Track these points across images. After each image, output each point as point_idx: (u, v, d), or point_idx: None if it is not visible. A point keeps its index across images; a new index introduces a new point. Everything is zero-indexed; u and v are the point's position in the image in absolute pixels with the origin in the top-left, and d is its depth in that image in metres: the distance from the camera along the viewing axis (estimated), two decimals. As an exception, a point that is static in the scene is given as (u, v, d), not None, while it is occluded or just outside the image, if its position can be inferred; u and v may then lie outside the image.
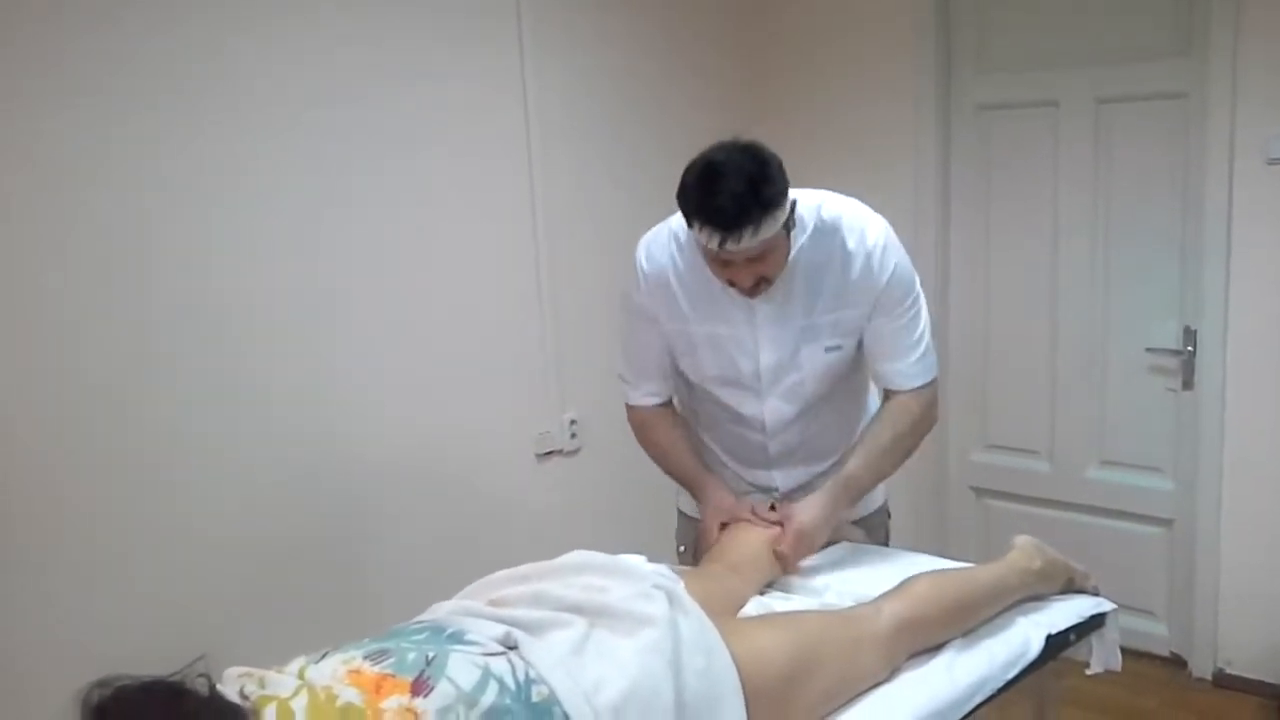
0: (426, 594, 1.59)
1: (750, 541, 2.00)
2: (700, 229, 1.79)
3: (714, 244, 1.79)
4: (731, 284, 1.90)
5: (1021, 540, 1.99)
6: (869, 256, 1.96)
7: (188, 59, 2.37)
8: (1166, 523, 3.32)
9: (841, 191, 2.00)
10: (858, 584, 1.93)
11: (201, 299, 2.43)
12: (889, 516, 2.40)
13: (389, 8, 2.74)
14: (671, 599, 1.50)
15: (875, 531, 2.33)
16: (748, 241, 1.77)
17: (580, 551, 1.65)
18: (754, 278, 1.87)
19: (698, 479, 2.18)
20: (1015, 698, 1.85)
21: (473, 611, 1.45)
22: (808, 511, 2.01)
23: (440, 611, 1.49)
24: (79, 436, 2.26)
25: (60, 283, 2.23)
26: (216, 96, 2.42)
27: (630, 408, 2.24)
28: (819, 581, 1.99)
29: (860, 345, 2.06)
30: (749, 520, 2.06)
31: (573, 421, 3.27)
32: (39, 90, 2.17)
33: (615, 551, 1.71)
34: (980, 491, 3.70)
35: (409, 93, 2.80)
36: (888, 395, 2.10)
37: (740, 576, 1.91)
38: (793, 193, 1.88)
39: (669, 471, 2.23)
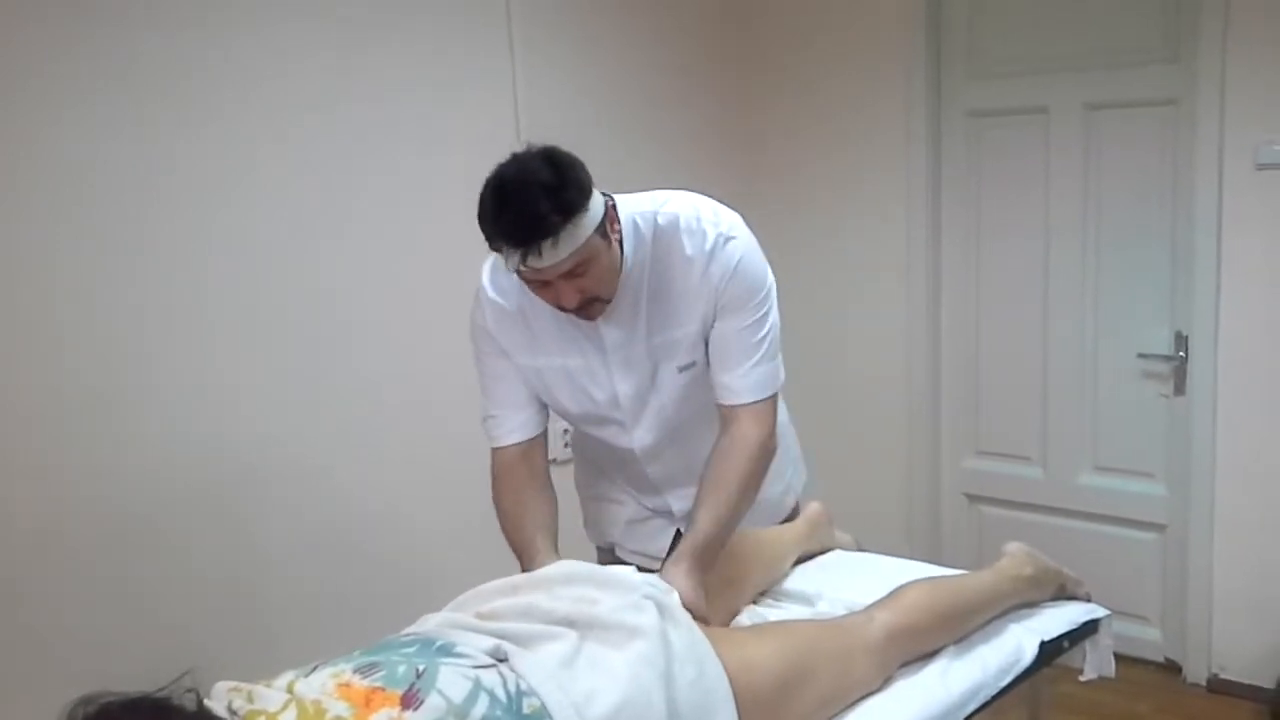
0: (416, 605, 1.59)
1: (742, 552, 2.00)
2: (500, 249, 1.64)
3: (514, 263, 1.62)
4: (561, 307, 1.72)
5: (1013, 547, 1.99)
6: (710, 257, 1.77)
7: (184, 62, 2.37)
8: (1159, 528, 3.32)
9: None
10: (850, 592, 1.93)
11: (198, 303, 2.43)
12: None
13: (381, 13, 2.74)
14: (662, 610, 1.50)
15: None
16: (550, 255, 1.60)
17: (570, 562, 1.64)
18: (579, 296, 1.69)
19: (531, 553, 1.84)
20: (1009, 705, 1.85)
21: (462, 624, 1.44)
22: (682, 587, 1.70)
23: (430, 623, 1.48)
24: (75, 445, 2.26)
25: (60, 284, 2.23)
26: (211, 100, 2.42)
27: (494, 452, 1.99)
28: (811, 590, 1.99)
29: None
30: None
31: (566, 431, 3.24)
32: (38, 91, 2.16)
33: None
34: (973, 498, 3.70)
35: (399, 100, 2.79)
36: (723, 421, 1.84)
37: (732, 586, 1.91)
38: (626, 198, 1.79)
39: (508, 539, 1.93)
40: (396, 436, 2.84)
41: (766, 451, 1.84)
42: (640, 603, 1.49)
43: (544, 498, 1.94)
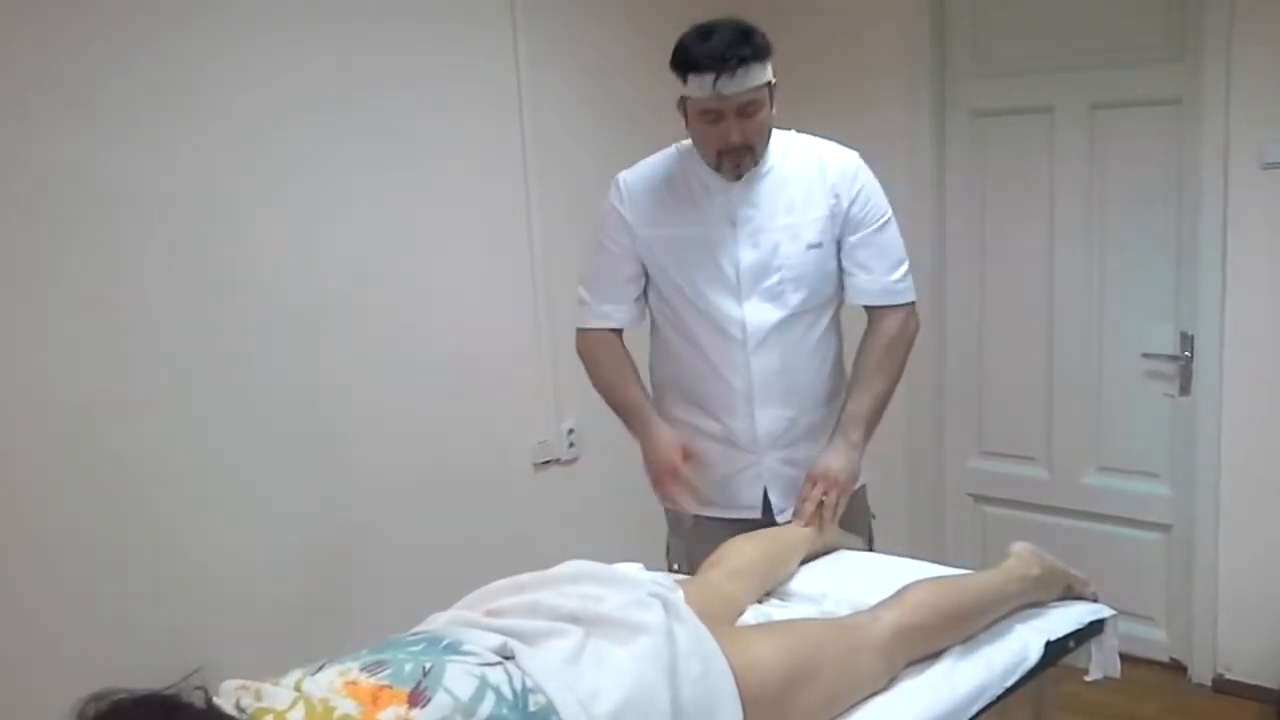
0: (423, 604, 1.59)
1: (748, 550, 2.00)
2: (694, 77, 1.96)
3: (706, 88, 1.94)
4: (719, 154, 2.03)
5: (1019, 547, 1.99)
6: (844, 165, 2.14)
7: (184, 66, 2.38)
8: (1165, 528, 3.32)
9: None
10: (856, 592, 1.92)
11: (196, 312, 2.44)
12: (873, 517, 2.39)
13: (386, 16, 2.75)
14: (667, 607, 1.50)
15: (858, 529, 2.31)
16: (740, 82, 1.93)
17: (576, 561, 1.64)
18: (741, 138, 2.00)
19: (643, 409, 2.21)
20: (1015, 705, 1.84)
21: (469, 622, 1.44)
22: (835, 460, 2.12)
23: (437, 622, 1.48)
24: (77, 447, 2.26)
25: (62, 290, 2.23)
26: (212, 104, 2.43)
27: (582, 333, 2.27)
28: (817, 589, 1.98)
29: (839, 275, 2.17)
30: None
31: (570, 430, 3.27)
32: (38, 96, 2.17)
33: (614, 560, 1.71)
34: (978, 498, 3.70)
35: (404, 102, 2.80)
36: (868, 320, 2.21)
37: (737, 585, 1.91)
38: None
39: (614, 402, 2.25)
40: (401, 440, 2.85)
41: (903, 339, 2.20)
42: (646, 600, 1.49)
43: (636, 374, 2.27)
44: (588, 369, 2.28)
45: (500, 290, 3.08)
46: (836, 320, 2.24)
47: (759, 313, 2.12)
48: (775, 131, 2.12)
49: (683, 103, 2.05)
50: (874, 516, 2.40)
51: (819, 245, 2.12)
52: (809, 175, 2.13)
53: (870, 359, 2.17)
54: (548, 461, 3.23)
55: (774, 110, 2.07)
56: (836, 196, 2.12)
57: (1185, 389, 3.19)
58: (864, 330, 2.22)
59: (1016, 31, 3.37)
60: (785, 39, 3.70)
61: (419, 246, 2.87)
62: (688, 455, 2.15)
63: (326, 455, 2.69)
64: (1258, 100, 2.92)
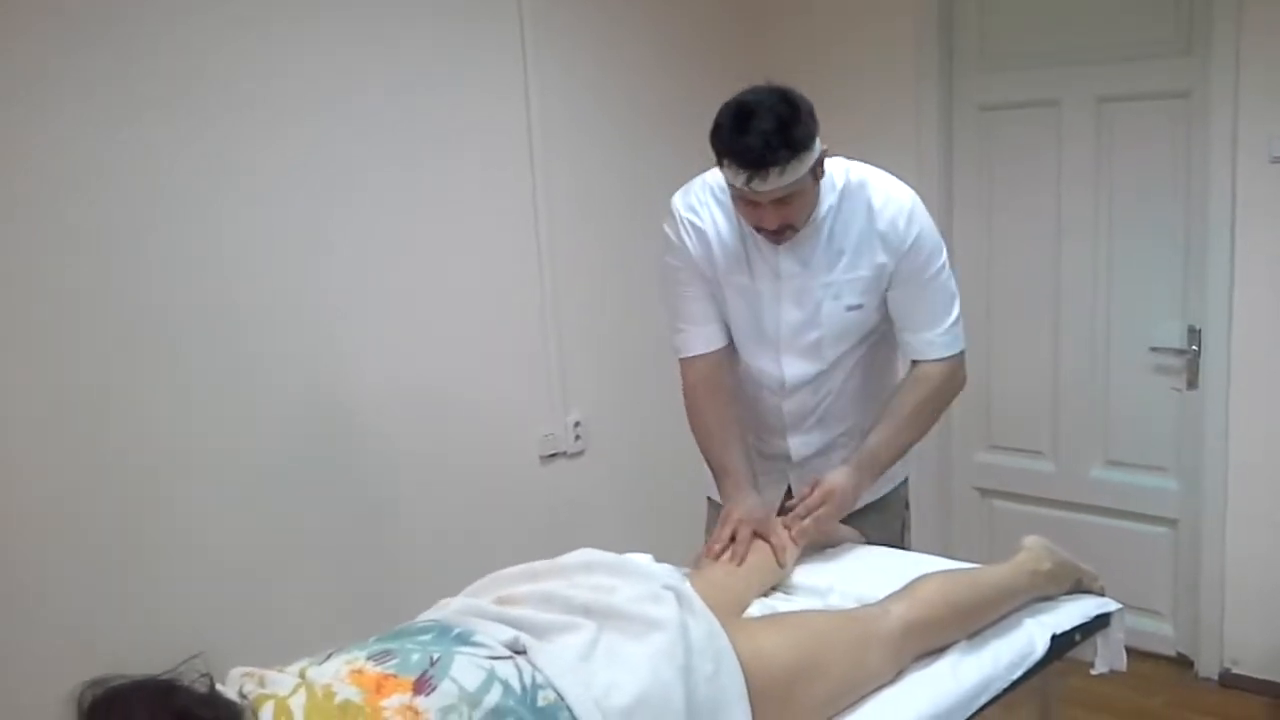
0: (430, 597, 1.58)
1: (753, 546, 1.99)
2: (729, 167, 1.83)
3: (740, 182, 1.82)
4: (758, 229, 1.93)
5: (1031, 541, 1.97)
6: (896, 215, 1.99)
7: (189, 62, 2.37)
8: (1171, 522, 3.31)
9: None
10: (861, 585, 1.92)
11: (202, 302, 2.43)
12: (907, 508, 2.38)
13: (392, 11, 2.74)
14: (680, 600, 1.49)
15: (890, 523, 2.30)
16: (774, 181, 1.80)
17: (589, 549, 1.63)
18: (779, 222, 1.90)
19: (732, 476, 2.07)
20: (1020, 698, 1.84)
21: (480, 611, 1.43)
22: (842, 479, 2.00)
23: (447, 609, 1.47)
24: (79, 435, 2.26)
25: (61, 285, 2.23)
26: (219, 100, 2.43)
27: (685, 364, 2.14)
28: (823, 583, 1.97)
29: (884, 313, 2.07)
30: (773, 537, 1.97)
31: (577, 423, 3.27)
32: (40, 94, 2.17)
33: (621, 554, 1.70)
34: (985, 492, 3.69)
35: (411, 96, 2.80)
36: (912, 365, 2.10)
37: (743, 580, 1.90)
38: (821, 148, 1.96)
39: (706, 455, 2.14)
40: (408, 432, 2.85)
41: (946, 386, 2.07)
42: (660, 593, 1.48)
43: (739, 423, 2.14)
44: (689, 412, 2.16)
45: (507, 282, 3.08)
46: (879, 345, 2.14)
47: (795, 368, 2.09)
48: (828, 164, 1.97)
49: None
50: (908, 507, 2.38)
51: (859, 307, 2.03)
52: (859, 226, 2.00)
53: (906, 406, 2.05)
54: (554, 454, 3.23)
55: (820, 178, 1.94)
56: (887, 253, 1.99)
57: (1193, 383, 3.18)
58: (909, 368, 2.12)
59: (1023, 25, 3.36)
60: (795, 31, 3.72)
61: (425, 239, 2.86)
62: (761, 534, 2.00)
63: (333, 448, 2.69)
64: (1267, 94, 2.90)
